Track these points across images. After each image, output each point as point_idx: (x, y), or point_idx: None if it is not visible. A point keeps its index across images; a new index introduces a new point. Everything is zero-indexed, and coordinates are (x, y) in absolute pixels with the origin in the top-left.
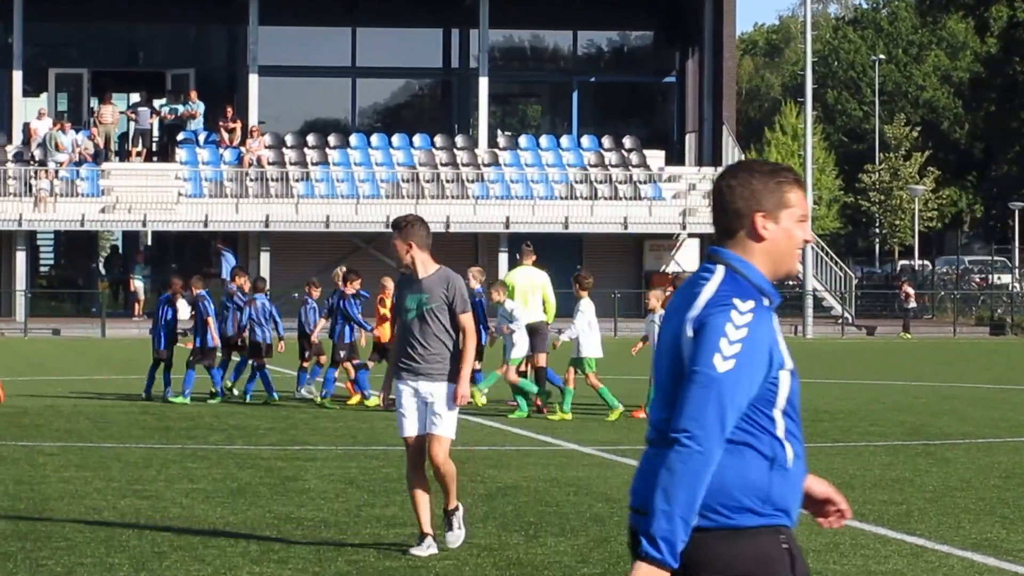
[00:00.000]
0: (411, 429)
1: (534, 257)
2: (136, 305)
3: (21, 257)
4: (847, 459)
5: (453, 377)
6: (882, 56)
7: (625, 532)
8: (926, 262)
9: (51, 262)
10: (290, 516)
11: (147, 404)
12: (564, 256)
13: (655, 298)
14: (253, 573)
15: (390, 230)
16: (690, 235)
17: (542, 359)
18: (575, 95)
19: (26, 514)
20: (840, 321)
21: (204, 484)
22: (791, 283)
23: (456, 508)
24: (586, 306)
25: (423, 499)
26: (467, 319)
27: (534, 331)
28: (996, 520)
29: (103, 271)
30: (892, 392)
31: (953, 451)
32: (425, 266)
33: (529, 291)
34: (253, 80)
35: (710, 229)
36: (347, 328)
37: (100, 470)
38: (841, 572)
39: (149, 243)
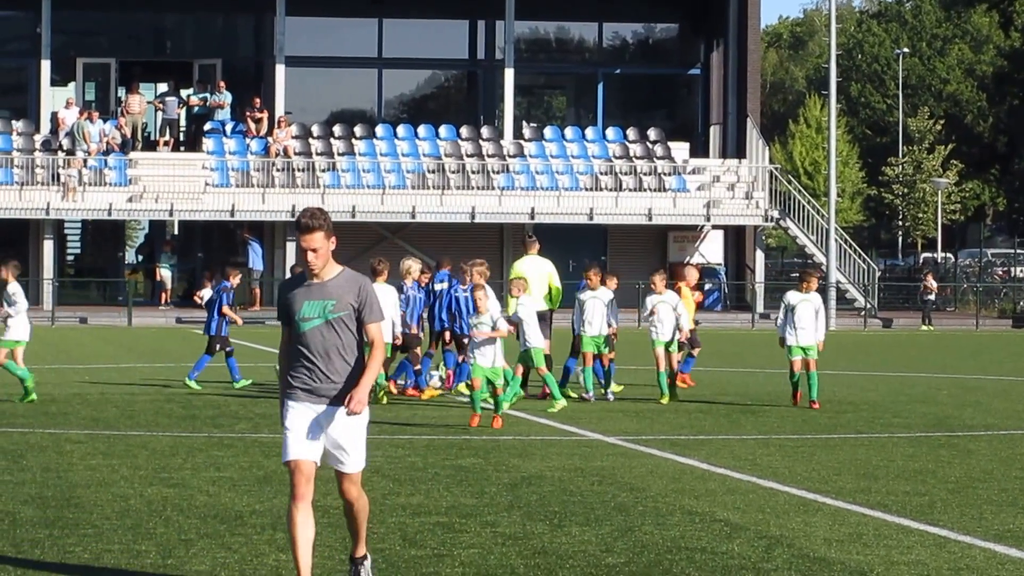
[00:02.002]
0: (298, 450)
1: (538, 246)
2: (163, 294)
3: (49, 246)
4: (870, 450)
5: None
6: (906, 49)
7: (648, 521)
8: (949, 254)
9: (78, 251)
10: (316, 504)
11: (174, 392)
12: (589, 247)
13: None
14: (279, 561)
15: (415, 221)
16: (714, 227)
17: (546, 346)
18: (600, 87)
19: (53, 502)
20: (863, 313)
21: (231, 472)
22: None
23: (365, 556)
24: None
25: (306, 538)
26: (377, 331)
27: (540, 318)
28: (1018, 511)
29: (136, 259)
30: (915, 384)
31: (976, 443)
32: (331, 267)
33: (537, 281)
34: (280, 70)
35: (734, 221)
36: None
37: (127, 458)
38: (864, 562)
39: (176, 232)
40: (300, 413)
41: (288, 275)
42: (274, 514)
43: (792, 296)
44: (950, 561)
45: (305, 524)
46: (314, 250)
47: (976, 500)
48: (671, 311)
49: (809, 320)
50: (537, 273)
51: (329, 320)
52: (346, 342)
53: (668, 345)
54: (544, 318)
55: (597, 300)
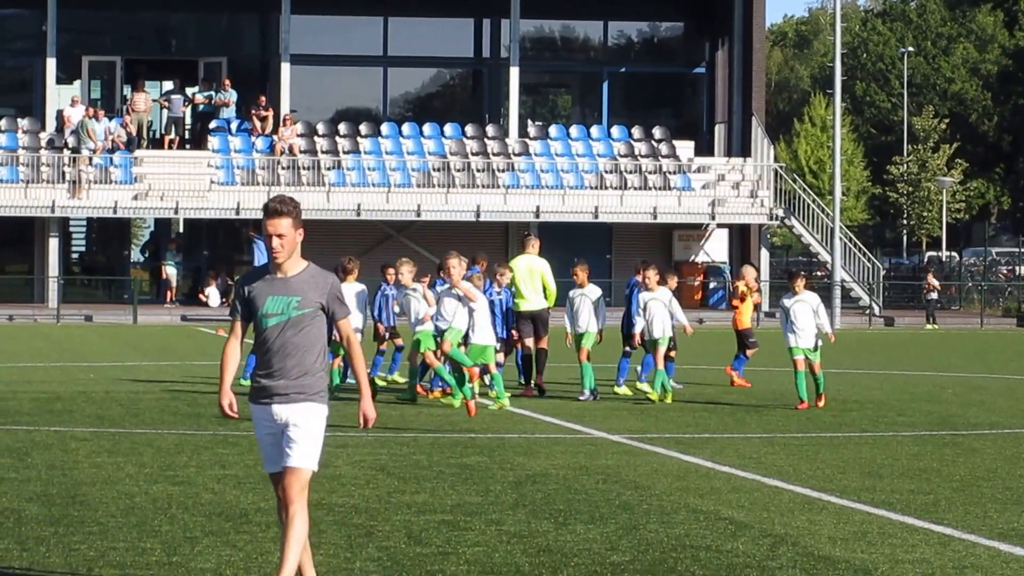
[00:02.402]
0: (274, 463)
1: (537, 245)
2: (168, 292)
3: (54, 243)
4: (875, 448)
5: (321, 395)
6: (911, 48)
7: (653, 519)
8: (953, 253)
9: (83, 249)
10: (321, 502)
11: (179, 390)
12: (593, 246)
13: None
14: None
15: (420, 219)
16: (719, 225)
17: (544, 343)
18: (605, 85)
19: (59, 499)
20: (867, 312)
21: (236, 470)
22: (819, 274)
23: None
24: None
25: (303, 549)
26: (348, 326)
27: (536, 317)
28: (1023, 510)
29: (142, 257)
30: (920, 383)
31: (980, 441)
32: (296, 261)
33: (528, 277)
34: (285, 69)
35: (739, 220)
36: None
37: (132, 456)
38: (869, 561)
39: (181, 230)
40: (263, 423)
41: None
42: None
43: (786, 300)
44: (954, 559)
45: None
46: (279, 235)
47: (980, 499)
48: (663, 307)
49: (807, 321)
50: (529, 271)
51: (292, 317)
52: (310, 340)
53: (660, 342)
54: (541, 316)
55: (585, 298)
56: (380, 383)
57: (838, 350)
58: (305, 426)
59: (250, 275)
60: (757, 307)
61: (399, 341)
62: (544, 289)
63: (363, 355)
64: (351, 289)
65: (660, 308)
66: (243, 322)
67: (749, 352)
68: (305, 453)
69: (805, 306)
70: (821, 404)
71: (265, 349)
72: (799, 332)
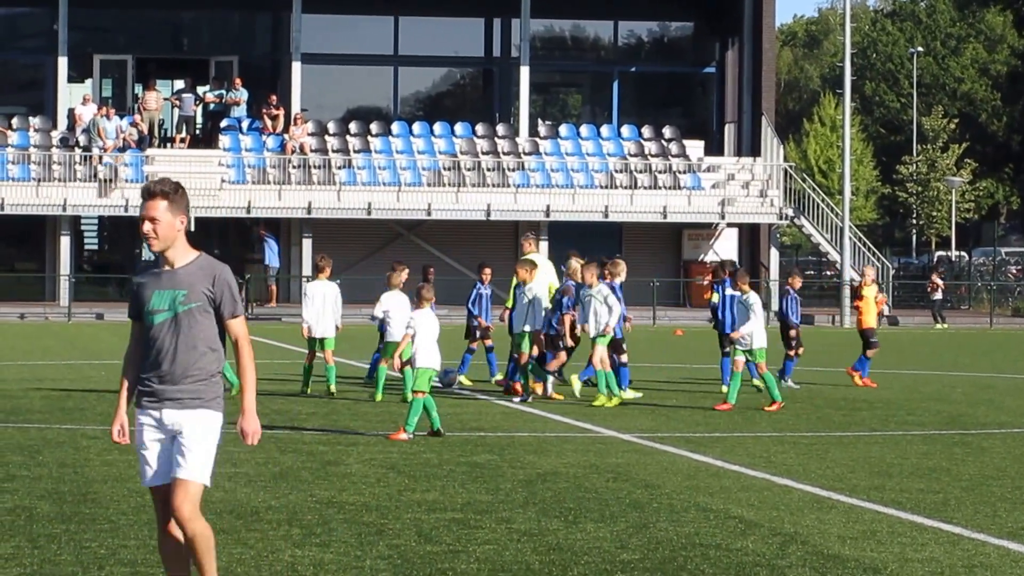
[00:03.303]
0: (154, 476)
1: (535, 244)
2: None
3: (65, 242)
4: (885, 448)
5: (217, 403)
6: (920, 48)
7: (663, 518)
8: (963, 253)
9: (95, 247)
10: (332, 500)
11: None
12: (603, 245)
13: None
14: (295, 557)
15: (430, 218)
16: (729, 225)
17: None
18: (615, 85)
19: (70, 497)
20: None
21: (246, 468)
22: (829, 273)
23: None
24: (755, 299)
25: (179, 570)
26: (241, 327)
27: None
28: None
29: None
30: (929, 382)
31: (989, 440)
32: (184, 252)
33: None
34: (296, 68)
35: (748, 219)
36: None
37: None
38: (878, 559)
39: (192, 229)
40: (151, 430)
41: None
42: (290, 510)
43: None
44: (964, 558)
45: (177, 554)
46: (152, 219)
47: (990, 498)
48: (602, 304)
49: (745, 321)
50: (545, 273)
51: (179, 313)
52: (199, 339)
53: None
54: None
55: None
56: (466, 382)
57: (847, 349)
58: (199, 436)
59: (141, 267)
60: (881, 308)
61: (489, 342)
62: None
63: (254, 366)
64: (322, 288)
65: (597, 305)
66: (136, 321)
67: (870, 352)
68: (199, 465)
69: (742, 307)
70: (772, 408)
71: (154, 349)
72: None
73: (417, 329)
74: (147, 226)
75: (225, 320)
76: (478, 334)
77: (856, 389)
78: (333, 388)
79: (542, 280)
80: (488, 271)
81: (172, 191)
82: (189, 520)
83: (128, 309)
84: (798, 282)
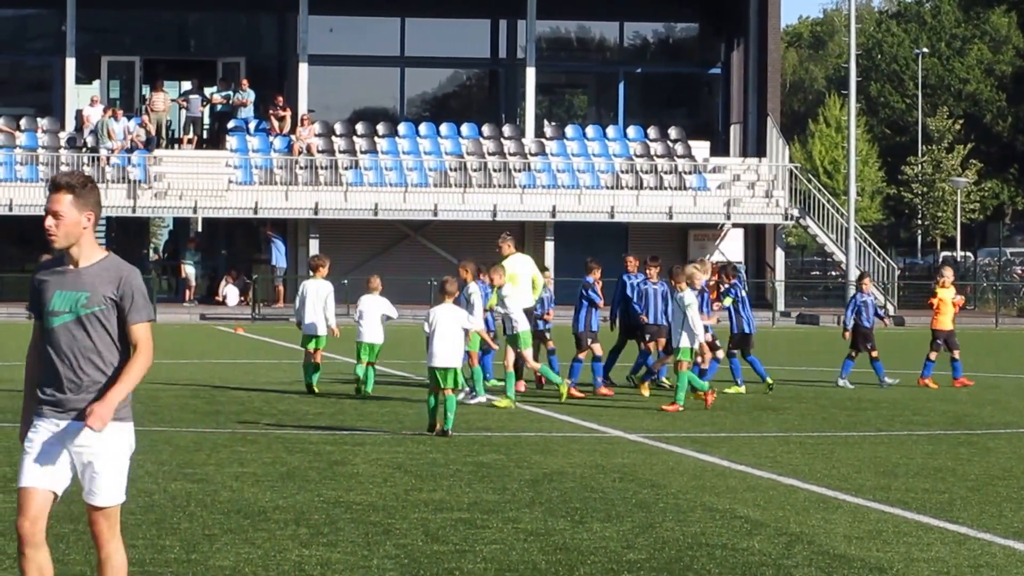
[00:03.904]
0: (33, 477)
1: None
2: (187, 291)
3: None
4: (890, 448)
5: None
6: (925, 49)
7: (669, 518)
8: (968, 253)
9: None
10: (339, 500)
11: (198, 388)
12: (609, 245)
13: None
14: (302, 556)
15: (437, 219)
16: (734, 225)
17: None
18: (621, 86)
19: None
20: (883, 311)
21: (254, 468)
22: (834, 273)
23: None
24: (691, 299)
25: None
26: (143, 332)
27: (528, 314)
28: None
29: (161, 256)
30: (934, 381)
31: (995, 441)
32: (90, 250)
33: (526, 278)
34: (303, 69)
35: (754, 219)
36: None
37: (151, 453)
38: (884, 559)
39: (199, 229)
40: (42, 431)
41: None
42: (297, 510)
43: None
44: (969, 558)
45: (38, 570)
46: (55, 213)
47: (995, 498)
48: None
49: (680, 320)
50: (528, 271)
51: (81, 316)
52: (102, 344)
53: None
54: (529, 315)
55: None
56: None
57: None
58: (111, 456)
59: (44, 265)
60: (960, 309)
61: (551, 344)
62: (532, 285)
63: (141, 375)
64: (315, 286)
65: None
66: (38, 320)
67: (932, 355)
68: (114, 488)
69: (677, 307)
70: (670, 409)
71: (53, 354)
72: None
73: (437, 327)
74: (49, 221)
75: (128, 325)
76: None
77: (861, 389)
78: (315, 386)
79: (522, 285)
80: (547, 274)
81: (79, 185)
82: (108, 542)
83: (28, 304)
84: (870, 284)
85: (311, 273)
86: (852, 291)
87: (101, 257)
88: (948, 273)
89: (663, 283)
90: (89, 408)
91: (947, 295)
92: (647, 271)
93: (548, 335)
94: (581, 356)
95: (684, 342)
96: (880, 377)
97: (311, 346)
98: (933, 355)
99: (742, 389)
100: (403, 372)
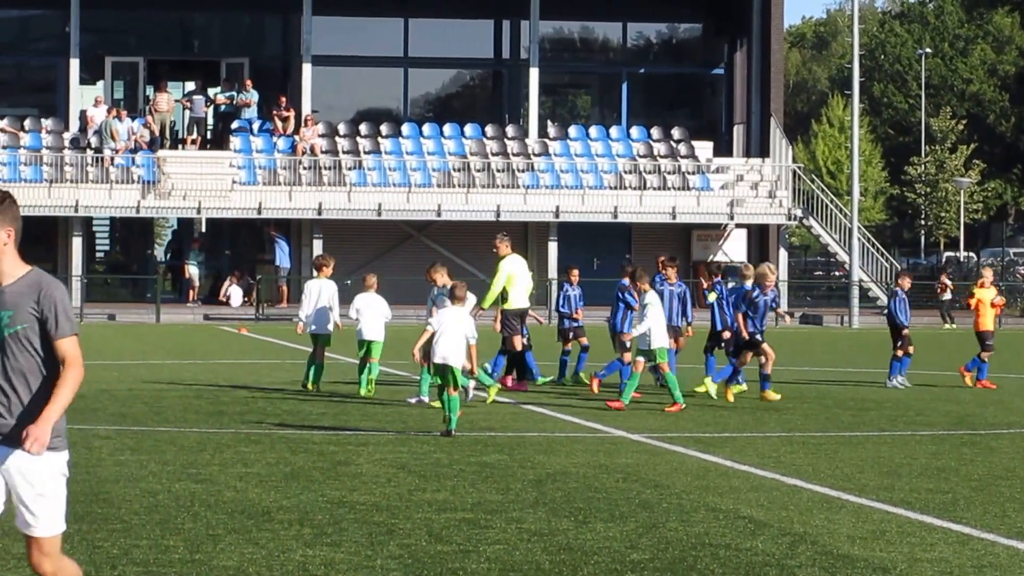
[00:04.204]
0: None
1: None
2: (191, 291)
3: (77, 243)
4: (893, 448)
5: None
6: (928, 50)
7: (673, 518)
8: (971, 254)
9: (106, 248)
10: (342, 500)
11: (202, 389)
12: (613, 246)
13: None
14: (306, 556)
15: (440, 219)
16: (737, 225)
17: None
18: (624, 86)
19: (82, 497)
20: (885, 312)
21: (258, 468)
22: (837, 273)
23: None
24: (652, 299)
25: None
26: (70, 347)
27: (524, 315)
28: None
29: (165, 257)
30: (937, 382)
31: (998, 441)
32: (13, 267)
33: (524, 280)
34: (307, 69)
35: (757, 220)
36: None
37: (155, 453)
38: (887, 559)
39: (203, 230)
40: None
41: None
42: (301, 510)
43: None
44: (973, 558)
45: None
46: None
47: (999, 498)
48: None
49: (642, 320)
50: (526, 272)
51: (5, 337)
52: (30, 363)
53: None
54: (524, 315)
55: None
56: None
57: (857, 350)
58: (48, 484)
59: None
60: (1000, 310)
61: (584, 340)
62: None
63: (73, 391)
64: (319, 285)
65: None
66: None
67: (984, 355)
68: (52, 518)
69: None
70: (672, 410)
71: None
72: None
73: (444, 327)
74: None
75: (54, 340)
76: (571, 335)
77: (864, 389)
78: (310, 385)
79: (520, 286)
80: (576, 272)
81: None
82: (54, 573)
83: None
84: (907, 283)
85: (315, 273)
86: (896, 290)
87: (23, 273)
88: (988, 274)
89: (680, 283)
90: (25, 431)
91: (986, 296)
92: (665, 271)
93: (581, 332)
94: (625, 358)
95: (656, 342)
96: (893, 375)
97: (325, 343)
98: (985, 356)
99: (743, 387)
100: (405, 372)
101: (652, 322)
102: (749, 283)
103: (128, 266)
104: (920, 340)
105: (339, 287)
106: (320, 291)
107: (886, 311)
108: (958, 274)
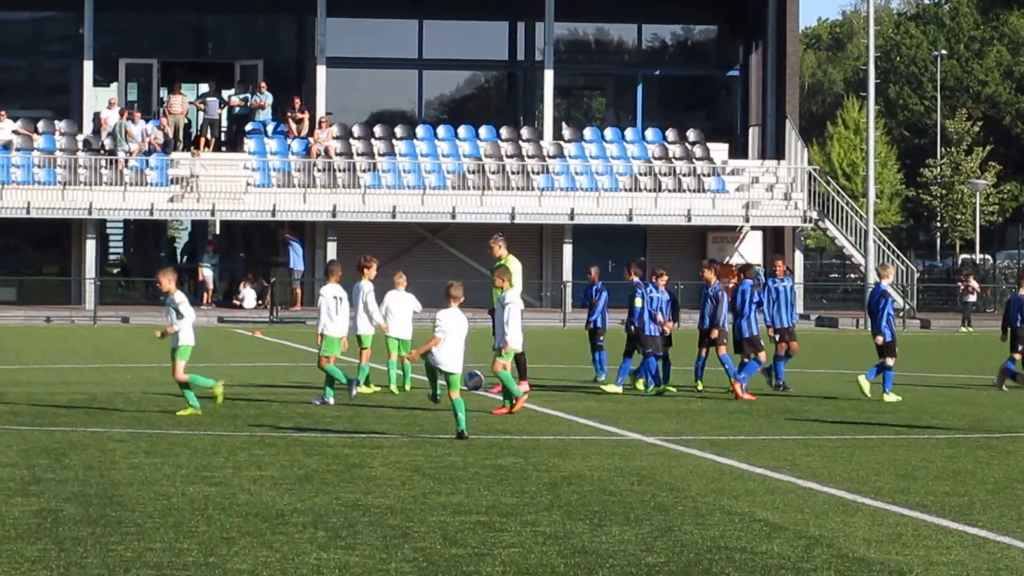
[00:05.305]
0: None
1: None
2: (205, 294)
3: (91, 245)
4: (910, 451)
5: None
6: (944, 51)
7: (688, 521)
8: (987, 256)
9: (120, 250)
10: (357, 503)
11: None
12: (628, 248)
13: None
14: (320, 559)
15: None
16: (753, 227)
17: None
18: (639, 88)
19: (96, 500)
20: (902, 314)
21: (272, 471)
22: (853, 276)
23: None
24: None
25: None
26: None
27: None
28: None
29: (179, 259)
30: (954, 385)
31: (1014, 444)
32: None
33: (518, 278)
34: (321, 71)
35: (772, 222)
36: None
37: (169, 456)
38: (904, 563)
39: (217, 232)
40: None
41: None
42: (315, 512)
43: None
44: (989, 561)
45: None
46: None
47: (1015, 501)
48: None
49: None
50: (520, 273)
51: None
52: None
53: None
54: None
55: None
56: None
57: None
58: None
59: None
60: None
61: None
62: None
63: None
64: (330, 291)
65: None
66: None
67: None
68: None
69: None
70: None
71: None
72: None
73: (447, 330)
74: None
75: None
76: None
77: (879, 391)
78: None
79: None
80: (595, 270)
81: None
82: None
83: None
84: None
85: (327, 278)
86: (1008, 294)
87: None
88: None
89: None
90: None
91: None
92: (656, 280)
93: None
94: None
95: (514, 343)
96: (1015, 376)
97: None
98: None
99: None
100: (421, 376)
101: (508, 322)
102: (886, 282)
103: (142, 268)
104: (937, 342)
105: (352, 290)
106: (336, 297)
107: (1005, 316)
108: (975, 277)
